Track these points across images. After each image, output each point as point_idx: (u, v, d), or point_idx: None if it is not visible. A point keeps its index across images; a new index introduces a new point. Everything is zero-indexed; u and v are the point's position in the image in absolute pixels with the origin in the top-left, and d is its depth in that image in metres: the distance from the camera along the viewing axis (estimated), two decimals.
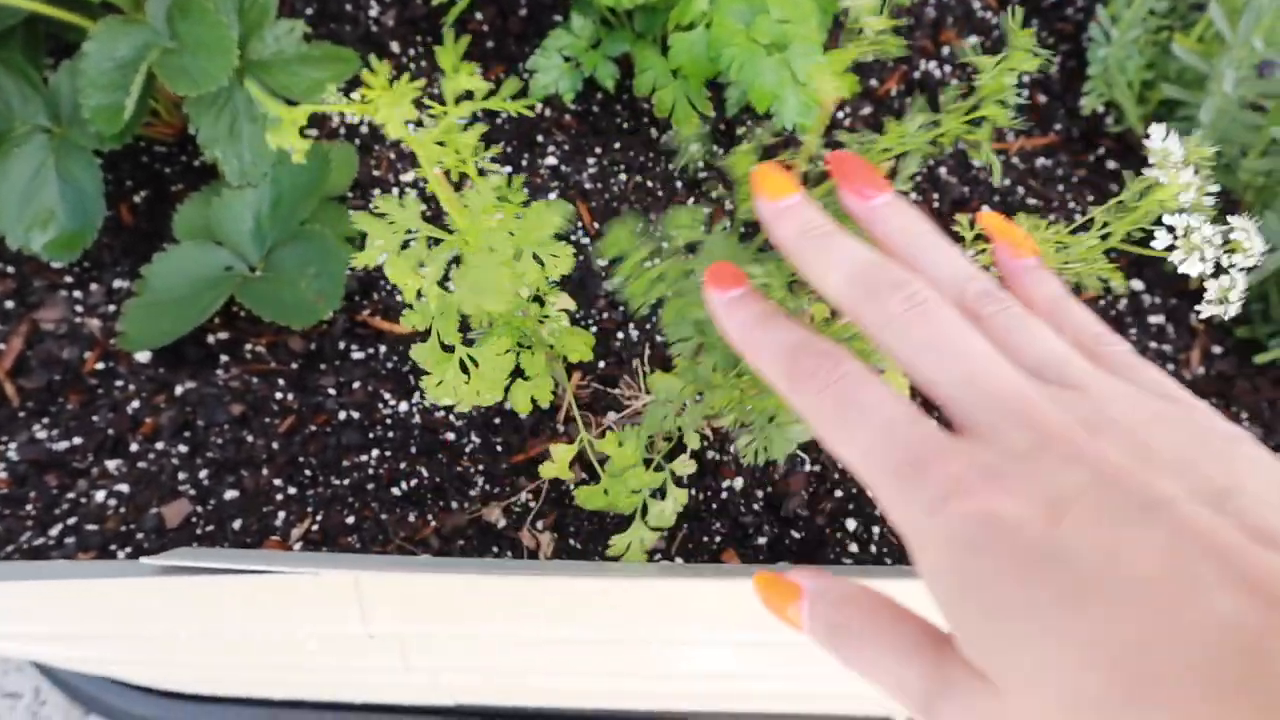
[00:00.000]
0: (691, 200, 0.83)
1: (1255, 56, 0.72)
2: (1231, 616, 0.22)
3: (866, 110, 0.91)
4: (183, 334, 0.68)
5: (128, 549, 0.64)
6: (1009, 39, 0.38)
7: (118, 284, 0.77)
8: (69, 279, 0.77)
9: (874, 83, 0.93)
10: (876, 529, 0.70)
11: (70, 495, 0.67)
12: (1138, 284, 0.83)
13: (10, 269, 0.77)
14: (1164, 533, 0.23)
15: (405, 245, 0.42)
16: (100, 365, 0.73)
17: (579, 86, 0.80)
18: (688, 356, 0.49)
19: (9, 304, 0.75)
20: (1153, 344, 0.80)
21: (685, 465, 0.56)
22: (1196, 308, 0.82)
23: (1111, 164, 0.90)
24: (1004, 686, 0.24)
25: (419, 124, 0.36)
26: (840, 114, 0.89)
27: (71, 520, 0.66)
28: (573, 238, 0.80)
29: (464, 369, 0.47)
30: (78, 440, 0.69)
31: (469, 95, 0.35)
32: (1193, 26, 0.90)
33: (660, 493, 0.56)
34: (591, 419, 0.66)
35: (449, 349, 0.47)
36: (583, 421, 0.56)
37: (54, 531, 0.65)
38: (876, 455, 0.27)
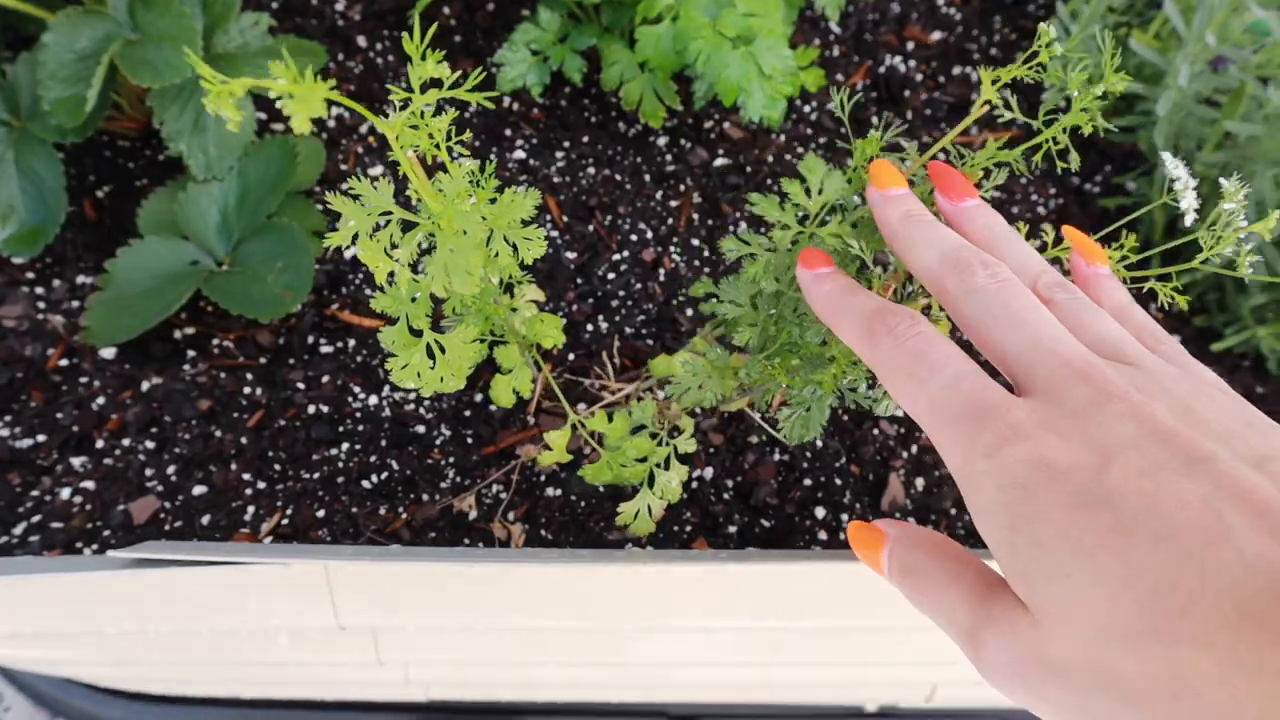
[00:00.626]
0: (660, 193, 0.83)
1: (1209, 52, 0.73)
2: (1259, 561, 0.23)
3: (832, 104, 0.92)
4: (148, 328, 0.67)
5: (94, 546, 0.63)
6: (1105, 72, 0.41)
7: (81, 280, 0.76)
8: (31, 275, 0.76)
9: (840, 77, 0.94)
10: (845, 516, 0.70)
11: (34, 493, 0.66)
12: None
13: None
14: (1204, 484, 0.25)
15: (377, 228, 0.42)
16: (64, 362, 0.72)
17: (547, 80, 0.80)
18: (711, 339, 0.53)
19: None
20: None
21: (687, 443, 0.56)
22: (1155, 302, 0.84)
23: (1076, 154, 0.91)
24: (1043, 615, 0.26)
25: (385, 114, 0.36)
26: (806, 108, 0.90)
27: (36, 518, 0.65)
28: (540, 230, 0.80)
29: (430, 355, 0.47)
30: (41, 437, 0.69)
31: (436, 83, 0.35)
32: (1150, 23, 0.92)
33: (665, 464, 0.56)
34: (567, 409, 0.67)
35: (417, 334, 0.47)
36: (568, 405, 0.56)
37: (17, 530, 0.64)
38: (943, 404, 0.30)
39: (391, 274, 0.40)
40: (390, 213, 0.41)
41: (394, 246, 0.41)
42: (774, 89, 0.69)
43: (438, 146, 0.37)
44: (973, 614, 0.28)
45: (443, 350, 0.47)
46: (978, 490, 0.28)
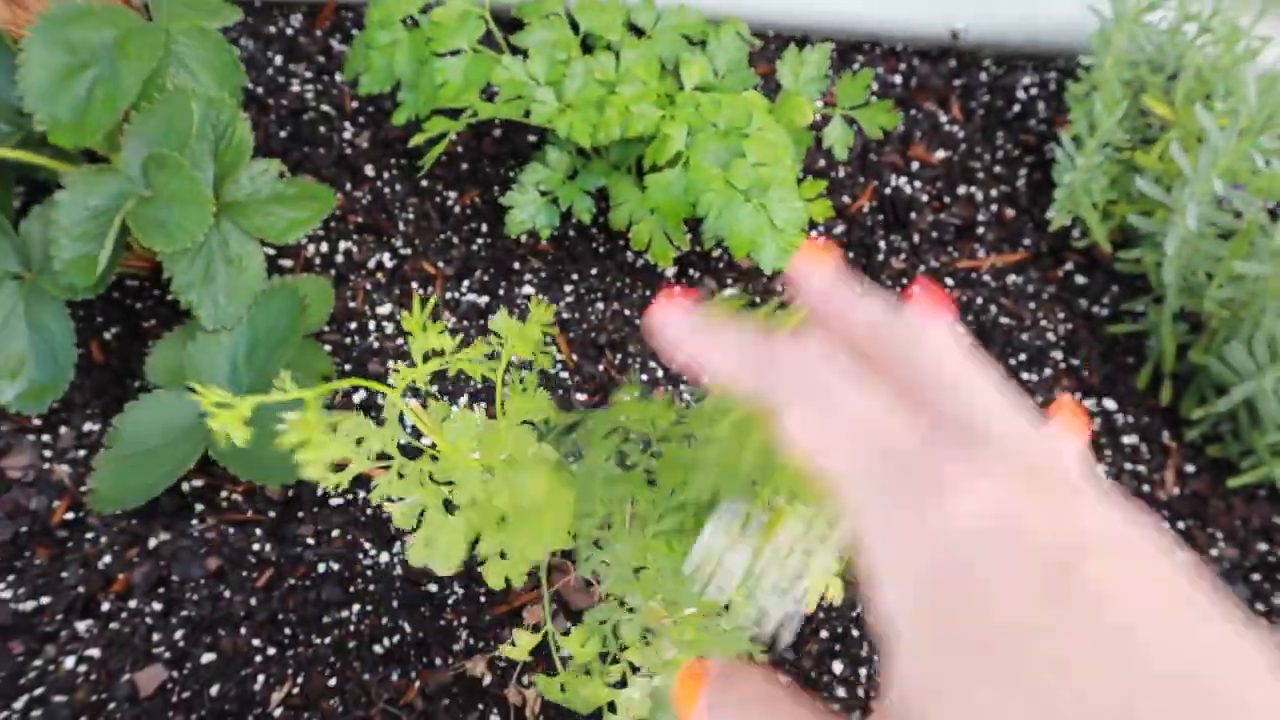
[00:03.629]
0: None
1: (1214, 193, 0.74)
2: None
3: (840, 229, 0.92)
4: (156, 493, 0.67)
5: None
6: None
7: (88, 427, 0.75)
8: (37, 422, 0.75)
9: (846, 199, 0.94)
10: (864, 670, 0.69)
11: (37, 662, 0.65)
12: (1110, 403, 0.84)
13: None
14: None
15: (382, 456, 0.42)
16: (69, 515, 0.71)
17: (556, 223, 0.80)
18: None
19: None
20: (1128, 464, 0.82)
21: (643, 655, 0.54)
22: (1166, 429, 0.84)
23: (1080, 279, 0.92)
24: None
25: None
26: (814, 234, 0.91)
27: (39, 690, 0.64)
28: (551, 371, 0.80)
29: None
30: (46, 600, 0.67)
31: (440, 353, 0.35)
32: (1154, 143, 0.93)
33: (621, 683, 0.55)
34: (546, 616, 0.66)
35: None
36: (548, 613, 0.55)
37: (18, 705, 0.63)
38: (851, 456, 0.22)
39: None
40: (390, 456, 0.40)
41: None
42: (786, 241, 0.69)
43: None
44: None
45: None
46: (903, 584, 0.20)
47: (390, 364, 0.79)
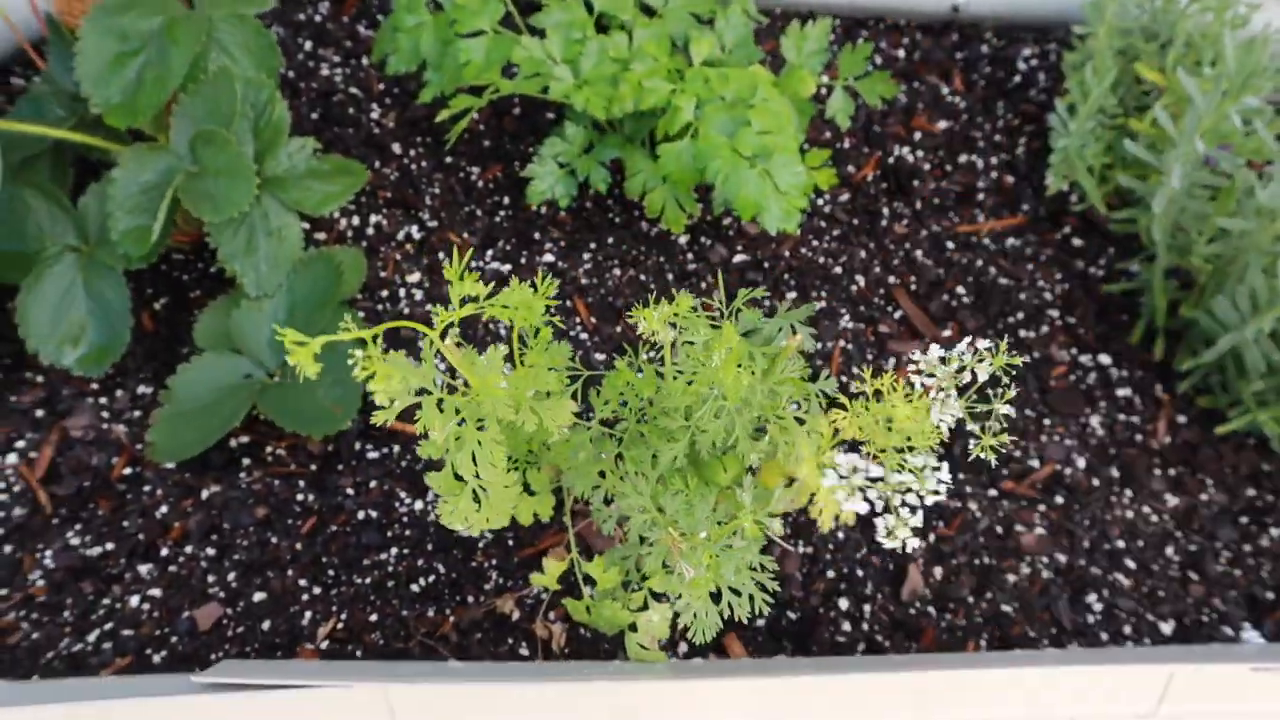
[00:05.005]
0: (682, 291, 0.88)
1: (1199, 155, 0.77)
2: None
3: (845, 197, 0.96)
4: (209, 445, 0.72)
5: (163, 653, 0.68)
6: None
7: (141, 390, 0.81)
8: (95, 386, 0.81)
9: (851, 169, 0.98)
10: (868, 607, 0.74)
11: (105, 601, 0.71)
12: (1105, 358, 0.88)
13: (40, 378, 0.81)
14: None
15: (421, 391, 0.47)
16: (128, 470, 0.77)
17: (574, 192, 0.85)
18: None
19: (40, 413, 0.79)
20: (1121, 415, 0.85)
21: (664, 582, 0.59)
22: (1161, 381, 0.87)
23: (1077, 241, 0.96)
24: None
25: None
26: (820, 201, 0.95)
27: (108, 626, 0.69)
28: (571, 333, 0.85)
29: (475, 498, 0.51)
30: (110, 546, 0.73)
31: (474, 298, 0.40)
32: (1147, 110, 0.96)
33: (643, 607, 0.59)
34: (572, 544, 0.71)
35: (461, 479, 0.52)
36: (574, 543, 0.60)
37: (91, 638, 0.69)
38: None
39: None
40: (427, 390, 0.45)
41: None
42: (789, 203, 0.74)
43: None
44: None
45: (486, 493, 0.51)
46: None
47: (423, 324, 0.84)
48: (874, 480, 0.49)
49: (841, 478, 0.48)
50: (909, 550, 0.66)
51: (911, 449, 0.49)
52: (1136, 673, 0.60)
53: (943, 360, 0.49)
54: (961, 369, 0.49)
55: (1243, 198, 0.79)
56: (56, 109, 0.82)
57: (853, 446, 0.51)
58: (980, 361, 0.48)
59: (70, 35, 0.79)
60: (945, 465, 0.49)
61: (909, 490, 0.49)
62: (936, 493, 0.48)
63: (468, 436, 0.45)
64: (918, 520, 0.48)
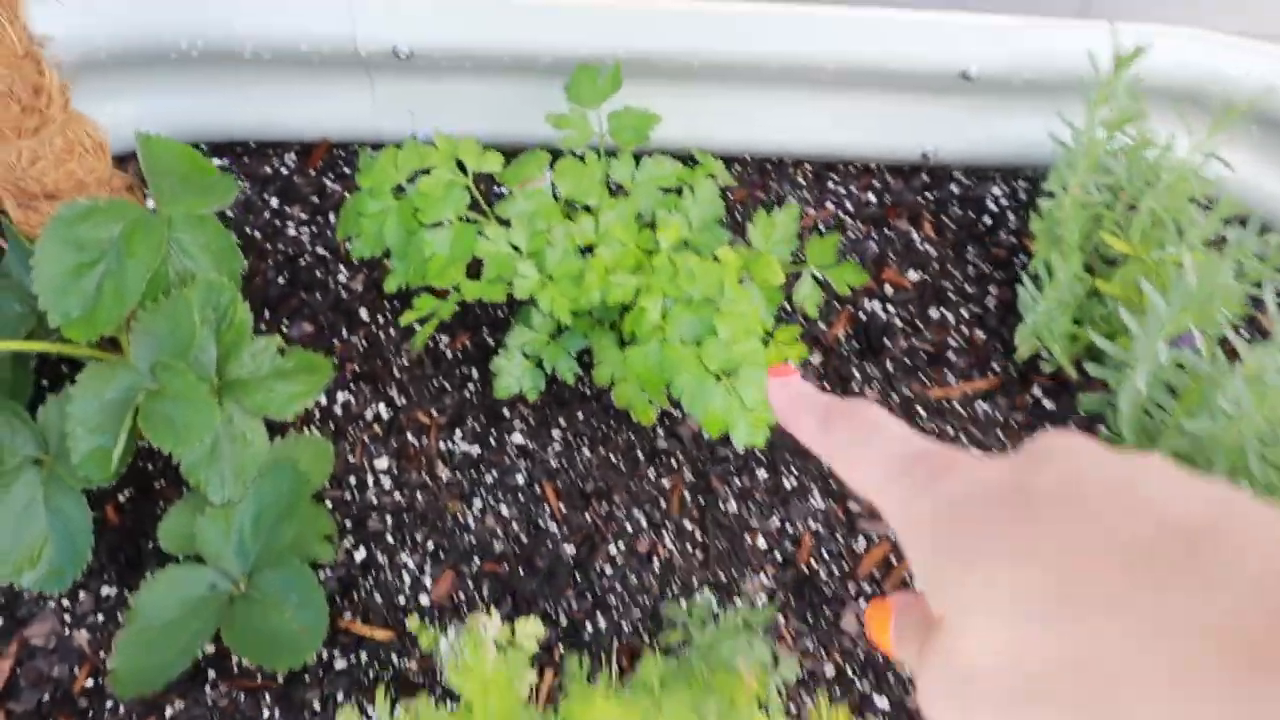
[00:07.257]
0: (652, 472, 0.87)
1: (1158, 360, 0.78)
2: (1173, 506, 0.23)
3: (817, 359, 0.96)
4: (173, 676, 0.71)
5: None
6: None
7: (105, 591, 0.80)
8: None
9: (822, 326, 0.98)
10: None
11: None
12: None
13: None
14: (1124, 468, 0.25)
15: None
16: (89, 683, 0.76)
17: (541, 385, 0.85)
18: None
19: None
20: None
21: None
22: None
23: (1049, 403, 0.96)
24: (954, 622, 0.26)
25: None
26: (792, 365, 0.95)
27: None
28: (539, 523, 0.84)
29: None
30: None
31: None
32: (1115, 264, 0.97)
33: None
34: None
35: None
36: None
37: None
38: (888, 459, 0.31)
39: None
40: None
41: None
42: (756, 419, 0.74)
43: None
44: (916, 653, 0.28)
45: None
46: (912, 526, 0.28)
47: (388, 519, 0.84)
48: None
49: None
50: None
51: None
52: None
53: None
54: None
55: (1209, 393, 0.79)
56: (15, 305, 0.81)
57: None
58: None
59: (29, 246, 0.78)
60: None
61: None
62: None
63: None
64: None
